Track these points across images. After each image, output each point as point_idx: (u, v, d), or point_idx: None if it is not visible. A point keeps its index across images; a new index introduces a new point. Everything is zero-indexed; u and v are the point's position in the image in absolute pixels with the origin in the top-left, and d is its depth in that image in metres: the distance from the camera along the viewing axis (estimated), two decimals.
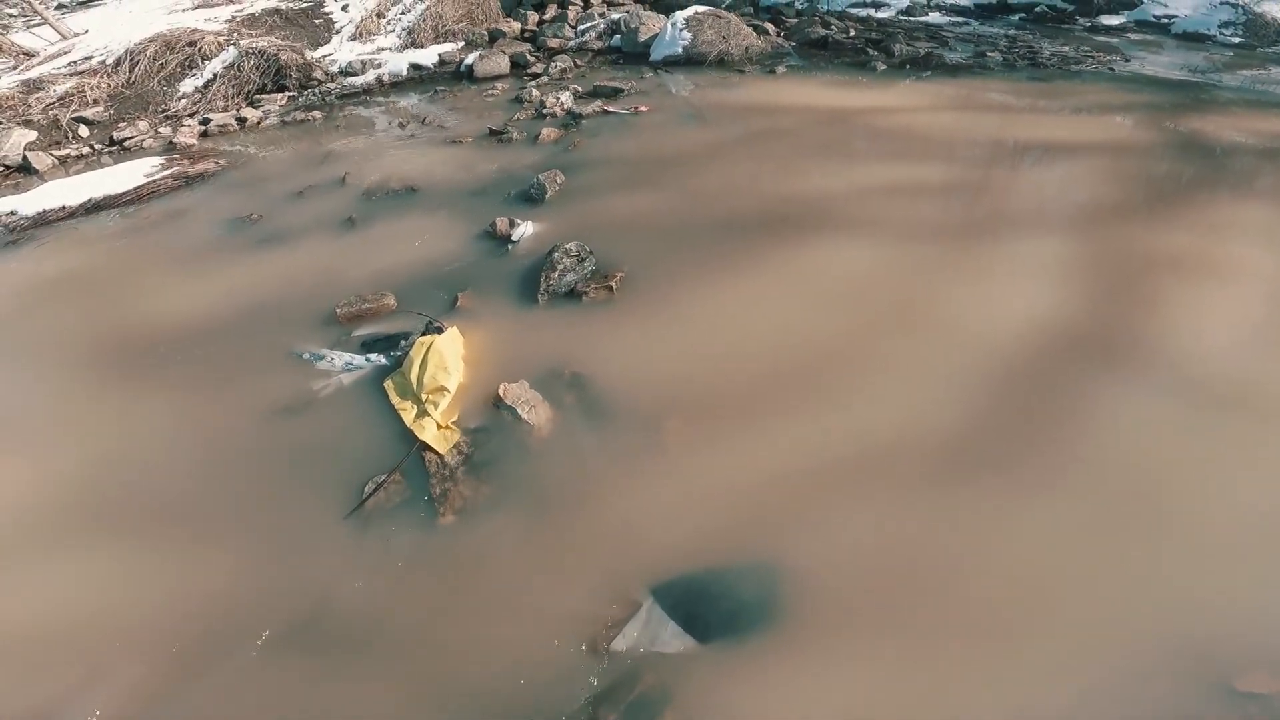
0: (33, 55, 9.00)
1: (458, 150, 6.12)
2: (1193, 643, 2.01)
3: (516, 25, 9.75)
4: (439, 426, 2.90)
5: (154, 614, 2.36)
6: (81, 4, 12.18)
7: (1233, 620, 2.06)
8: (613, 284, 3.71)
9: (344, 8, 10.05)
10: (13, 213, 5.63)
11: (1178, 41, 8.55)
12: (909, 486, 2.54)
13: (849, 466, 2.64)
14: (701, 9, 8.59)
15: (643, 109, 6.67)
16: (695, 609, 2.18)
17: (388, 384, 3.19)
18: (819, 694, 1.97)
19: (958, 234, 4.18)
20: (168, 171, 6.26)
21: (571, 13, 9.85)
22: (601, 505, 2.57)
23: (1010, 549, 2.31)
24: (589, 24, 9.43)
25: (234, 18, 9.47)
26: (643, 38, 8.61)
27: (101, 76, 8.06)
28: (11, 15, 11.81)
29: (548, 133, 6.14)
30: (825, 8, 10.19)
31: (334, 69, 8.79)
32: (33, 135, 7.10)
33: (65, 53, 8.85)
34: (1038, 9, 9.65)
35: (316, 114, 7.68)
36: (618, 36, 8.98)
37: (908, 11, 9.97)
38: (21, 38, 9.71)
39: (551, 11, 10.09)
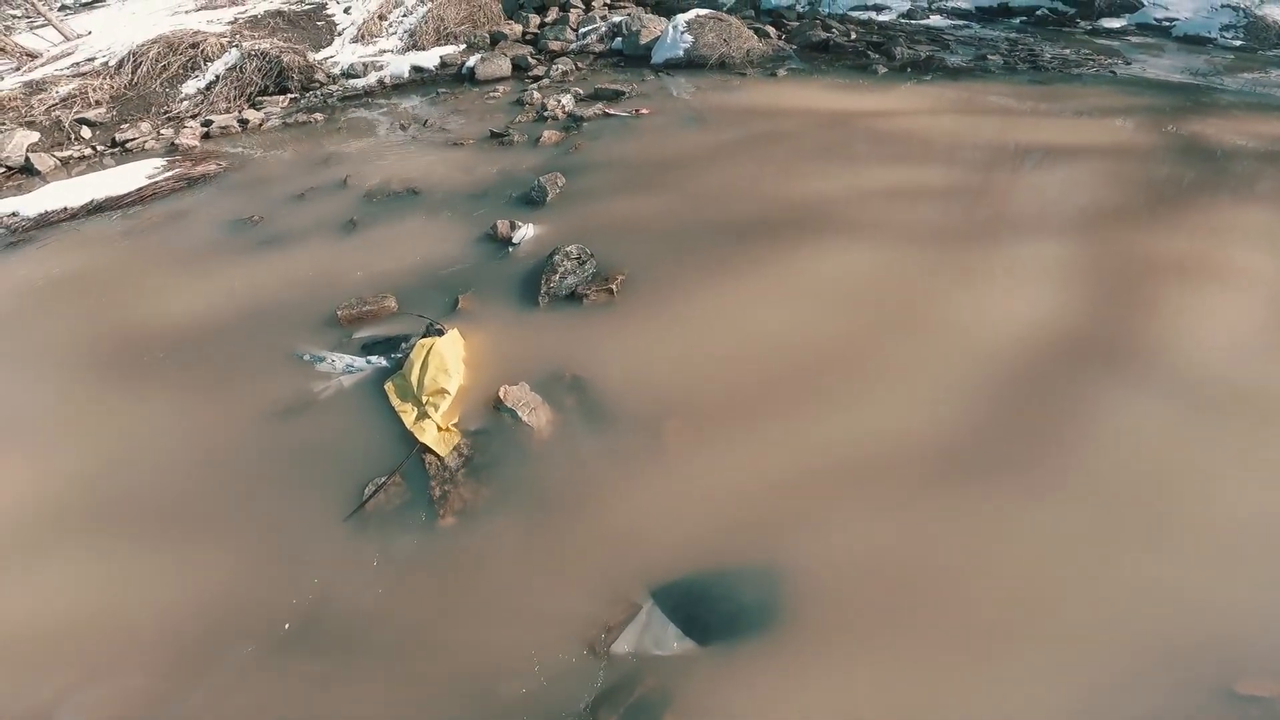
0: (36, 56, 9.03)
1: (459, 152, 6.13)
2: (1193, 646, 2.01)
3: (518, 28, 9.77)
4: (439, 429, 2.91)
5: (154, 615, 2.36)
6: (85, 5, 12.22)
7: (1233, 623, 2.06)
8: (613, 287, 3.71)
9: (346, 10, 10.08)
10: (15, 214, 5.64)
11: (1179, 44, 8.56)
12: (909, 490, 2.53)
13: (849, 469, 2.64)
14: (703, 12, 8.61)
15: (644, 112, 6.68)
16: (695, 611, 2.18)
17: (388, 386, 3.19)
18: (819, 697, 1.96)
19: (958, 237, 4.18)
20: (169, 173, 6.28)
21: (573, 16, 9.87)
22: (602, 508, 2.57)
23: (1010, 552, 2.31)
24: (590, 27, 9.45)
25: (236, 19, 9.50)
26: (644, 41, 8.62)
27: (104, 78, 8.08)
28: (15, 16, 11.85)
29: (549, 135, 6.15)
30: (826, 11, 10.21)
31: (336, 71, 8.82)
32: (35, 136, 7.12)
33: (68, 54, 8.88)
34: (1039, 12, 9.65)
35: (318, 116, 7.69)
36: (619, 39, 9.00)
37: (909, 15, 9.98)
38: (25, 39, 9.75)
39: (553, 14, 10.12)
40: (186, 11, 10.14)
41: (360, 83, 8.63)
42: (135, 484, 2.90)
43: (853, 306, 3.55)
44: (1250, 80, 7.10)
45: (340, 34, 9.72)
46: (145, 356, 3.68)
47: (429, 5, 9.73)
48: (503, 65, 8.54)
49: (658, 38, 8.54)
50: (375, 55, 9.18)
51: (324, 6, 10.16)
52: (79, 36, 9.55)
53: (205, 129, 7.45)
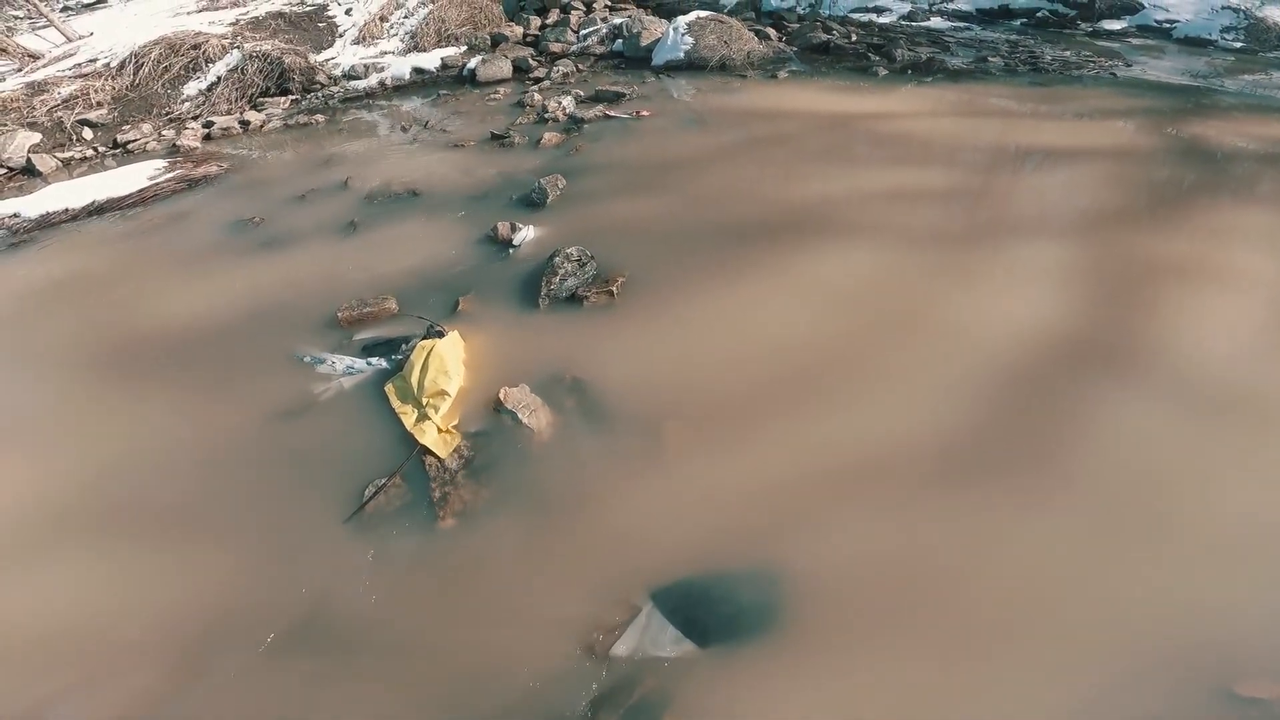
0: (38, 57, 9.05)
1: (459, 154, 6.14)
2: (1193, 647, 2.01)
3: (519, 30, 9.78)
4: (439, 430, 2.91)
5: (154, 615, 2.36)
6: (86, 6, 12.25)
7: (1234, 625, 2.06)
8: (614, 289, 3.72)
9: (347, 11, 10.09)
10: (16, 215, 5.65)
11: (1179, 46, 8.56)
12: (909, 491, 2.54)
13: (850, 471, 2.64)
14: (703, 14, 8.62)
15: (644, 114, 6.69)
16: (695, 613, 2.18)
17: (388, 387, 3.19)
18: (819, 698, 1.97)
19: (959, 239, 4.18)
20: (171, 174, 6.29)
21: (574, 17, 9.87)
22: (601, 509, 2.57)
23: (1010, 553, 2.31)
24: (591, 29, 9.46)
25: (238, 21, 9.52)
26: (644, 42, 8.63)
27: (106, 79, 8.10)
28: (17, 17, 11.87)
29: (549, 137, 6.15)
30: (827, 13, 10.21)
31: (337, 72, 8.82)
32: (37, 137, 7.13)
33: (70, 55, 8.90)
34: (1039, 14, 9.66)
35: (319, 117, 7.70)
36: (620, 41, 9.01)
37: (909, 17, 9.98)
38: (27, 40, 9.76)
39: (554, 16, 10.13)
40: (188, 13, 10.16)
41: (361, 84, 8.63)
42: (135, 485, 2.90)
43: (853, 308, 3.55)
44: (1251, 82, 7.10)
45: (341, 35, 9.73)
46: (146, 357, 3.69)
47: (430, 7, 9.74)
48: (504, 67, 8.55)
49: (658, 40, 8.55)
50: (376, 57, 9.19)
51: (325, 8, 10.17)
52: (81, 38, 9.56)
53: (206, 130, 7.45)
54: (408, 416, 3.00)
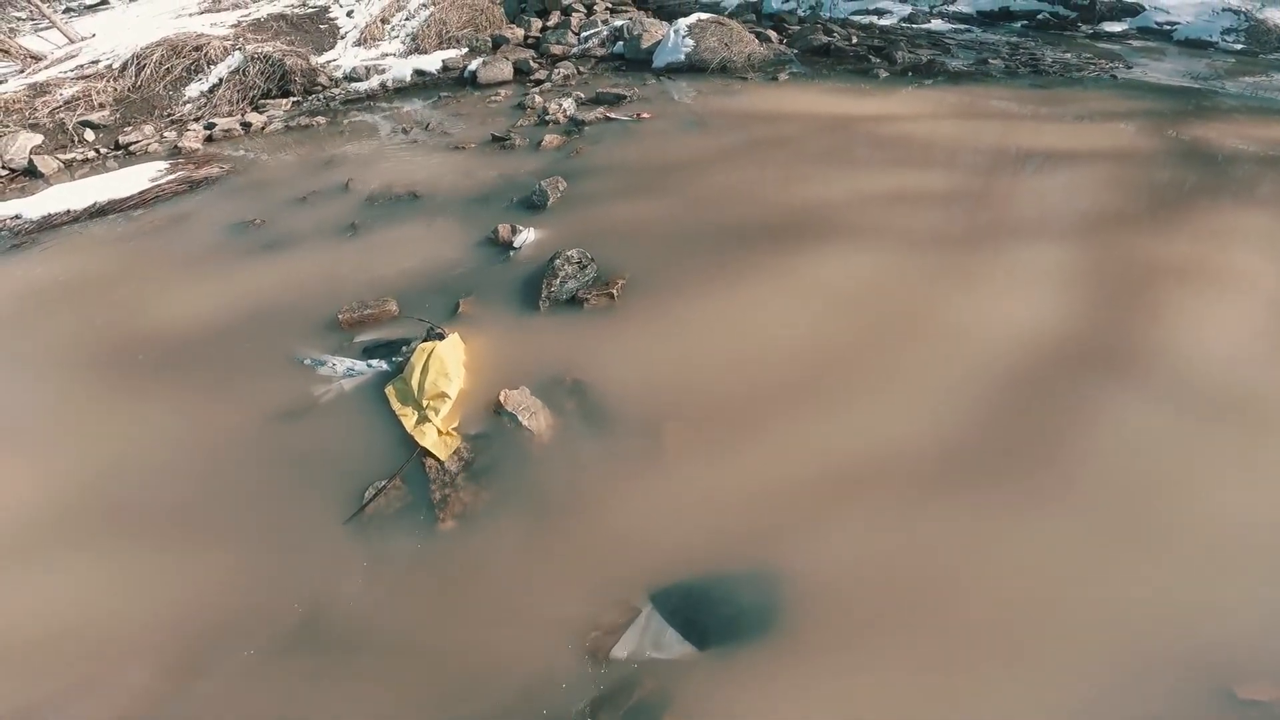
0: (40, 59, 9.07)
1: (460, 156, 6.15)
2: (1194, 650, 2.01)
3: (520, 32, 9.80)
4: (440, 432, 2.91)
5: (155, 616, 2.37)
6: (89, 8, 12.28)
7: (1235, 627, 2.06)
8: (614, 291, 3.72)
9: (349, 13, 10.12)
10: (17, 216, 5.66)
11: (1180, 48, 8.57)
12: (910, 494, 2.54)
13: (850, 473, 2.64)
14: (704, 16, 8.64)
15: (645, 116, 6.70)
16: (694, 615, 2.18)
17: (389, 390, 3.20)
18: (819, 700, 1.97)
19: (960, 242, 4.18)
20: (172, 176, 6.30)
21: (575, 19, 9.89)
22: (601, 511, 2.58)
23: (1011, 556, 2.31)
24: (592, 31, 9.48)
25: (240, 23, 9.54)
26: (645, 44, 8.64)
27: (108, 80, 8.12)
28: (19, 19, 11.90)
29: (550, 139, 6.16)
30: (827, 15, 10.23)
31: (338, 74, 8.85)
32: (39, 139, 7.15)
33: (72, 56, 8.92)
34: (1040, 16, 9.67)
35: (321, 119, 7.72)
36: (620, 43, 9.03)
37: (910, 19, 10.00)
38: (29, 41, 9.78)
39: (555, 18, 10.15)
40: (190, 14, 10.19)
41: (362, 86, 8.65)
42: (136, 485, 2.91)
43: (853, 311, 3.55)
44: (1251, 84, 7.10)
45: (343, 37, 9.75)
46: (147, 359, 3.70)
47: (431, 9, 9.77)
48: (504, 69, 8.57)
49: (659, 42, 8.57)
50: (377, 59, 9.21)
51: (327, 10, 10.20)
52: (83, 39, 9.59)
53: (208, 132, 7.47)
54: (408, 418, 3.00)
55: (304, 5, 10.28)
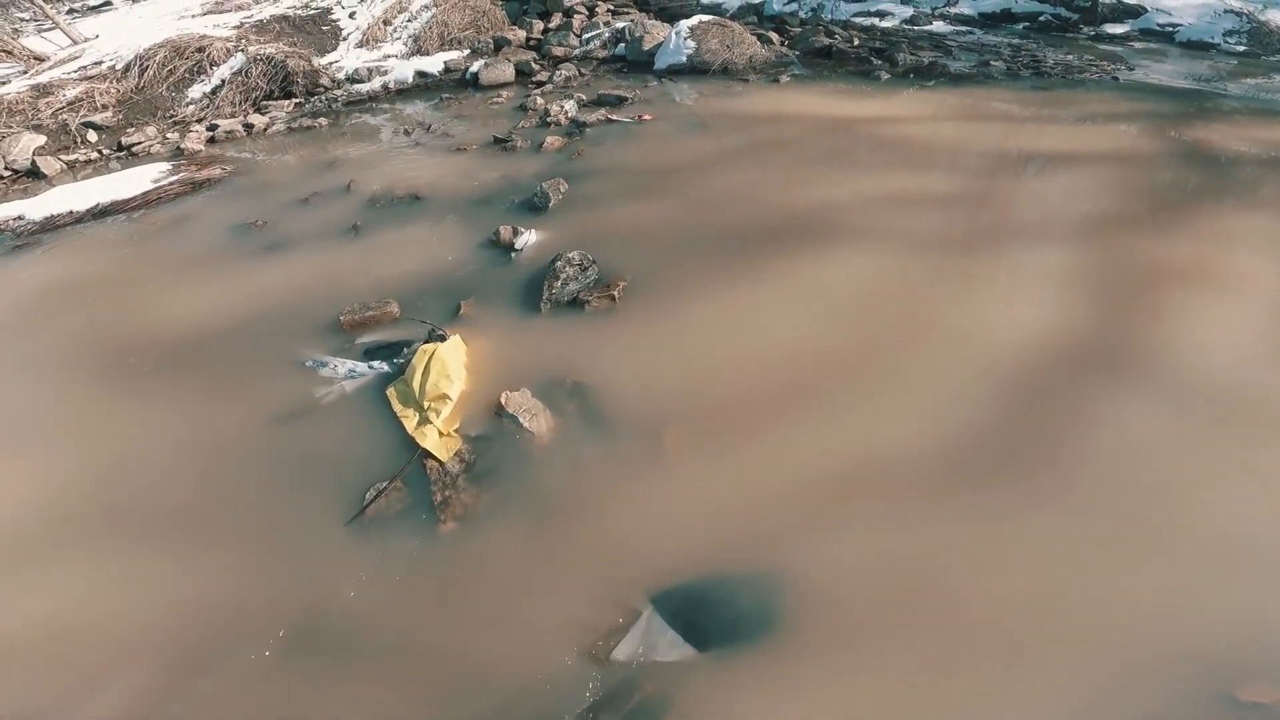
0: (43, 60, 9.09)
1: (462, 158, 6.16)
2: (1195, 652, 2.01)
3: (522, 33, 9.81)
4: (441, 434, 2.92)
5: (155, 616, 2.37)
6: (92, 9, 12.31)
7: (1235, 629, 2.06)
8: (615, 293, 3.73)
9: (351, 15, 10.14)
10: (20, 217, 5.67)
11: (1182, 50, 8.57)
12: (911, 497, 2.54)
13: (851, 477, 2.64)
14: (706, 18, 8.65)
15: (647, 117, 6.70)
16: (695, 617, 2.19)
17: (390, 391, 3.20)
18: (819, 702, 1.97)
19: (962, 244, 4.19)
20: (175, 177, 6.31)
21: (576, 21, 9.90)
22: (602, 513, 2.58)
23: (1012, 558, 2.31)
24: (594, 32, 9.49)
25: (242, 24, 9.56)
26: (647, 46, 8.65)
27: (111, 82, 8.14)
28: (23, 19, 11.93)
29: (551, 141, 6.17)
30: (829, 17, 10.24)
31: (340, 76, 8.86)
32: (41, 140, 7.17)
33: (75, 57, 8.93)
34: (1042, 18, 9.67)
35: (323, 121, 7.73)
36: (622, 45, 9.04)
37: (911, 21, 10.00)
38: (32, 42, 9.81)
39: (557, 20, 10.15)
40: (193, 16, 10.20)
41: (364, 88, 8.66)
42: (138, 487, 2.91)
43: (854, 313, 3.55)
44: (1253, 86, 7.10)
45: (345, 39, 9.77)
46: (149, 360, 3.70)
47: (433, 11, 9.78)
48: (506, 71, 8.58)
49: (661, 43, 8.58)
50: (379, 60, 9.22)
51: (329, 11, 10.22)
52: (86, 40, 9.61)
53: (210, 133, 7.48)
54: (409, 420, 3.01)
55: (306, 7, 10.30)
